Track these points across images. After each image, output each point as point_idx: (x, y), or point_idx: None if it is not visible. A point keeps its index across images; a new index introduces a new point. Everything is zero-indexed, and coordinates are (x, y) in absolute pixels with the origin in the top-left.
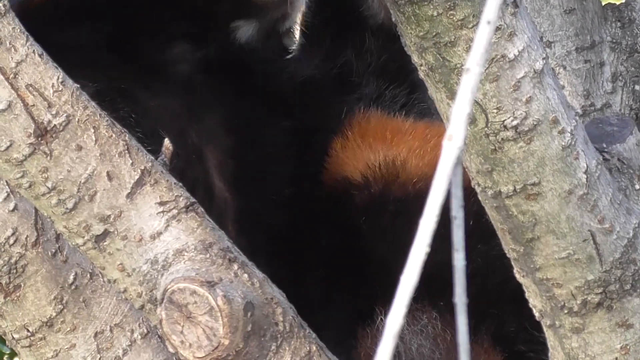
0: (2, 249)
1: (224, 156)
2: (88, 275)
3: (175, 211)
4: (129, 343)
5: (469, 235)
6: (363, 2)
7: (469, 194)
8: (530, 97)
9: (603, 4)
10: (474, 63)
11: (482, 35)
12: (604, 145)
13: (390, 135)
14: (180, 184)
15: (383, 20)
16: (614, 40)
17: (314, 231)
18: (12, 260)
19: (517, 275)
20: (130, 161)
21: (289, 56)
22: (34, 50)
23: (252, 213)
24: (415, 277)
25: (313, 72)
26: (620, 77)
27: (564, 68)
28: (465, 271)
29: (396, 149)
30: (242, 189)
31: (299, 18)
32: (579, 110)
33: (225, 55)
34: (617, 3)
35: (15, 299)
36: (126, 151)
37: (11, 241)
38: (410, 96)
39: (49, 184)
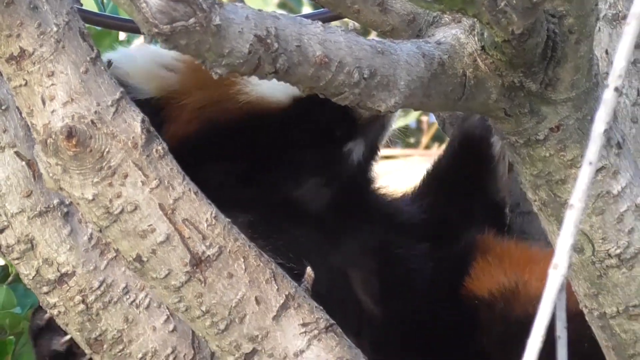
0: None
1: (368, 275)
2: None
3: (316, 331)
4: None
5: (572, 354)
6: (494, 186)
7: (573, 317)
8: (632, 228)
9: None
10: (576, 200)
11: (584, 174)
12: None
13: (523, 262)
14: (321, 307)
15: (502, 197)
16: None
17: (450, 344)
18: None
19: None
20: (276, 287)
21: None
22: (189, 189)
23: (397, 322)
24: None
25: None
26: None
27: None
28: None
29: (526, 275)
30: (387, 302)
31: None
32: None
33: (350, 186)
34: None
35: None
36: (272, 278)
37: (171, 358)
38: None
39: (203, 308)
